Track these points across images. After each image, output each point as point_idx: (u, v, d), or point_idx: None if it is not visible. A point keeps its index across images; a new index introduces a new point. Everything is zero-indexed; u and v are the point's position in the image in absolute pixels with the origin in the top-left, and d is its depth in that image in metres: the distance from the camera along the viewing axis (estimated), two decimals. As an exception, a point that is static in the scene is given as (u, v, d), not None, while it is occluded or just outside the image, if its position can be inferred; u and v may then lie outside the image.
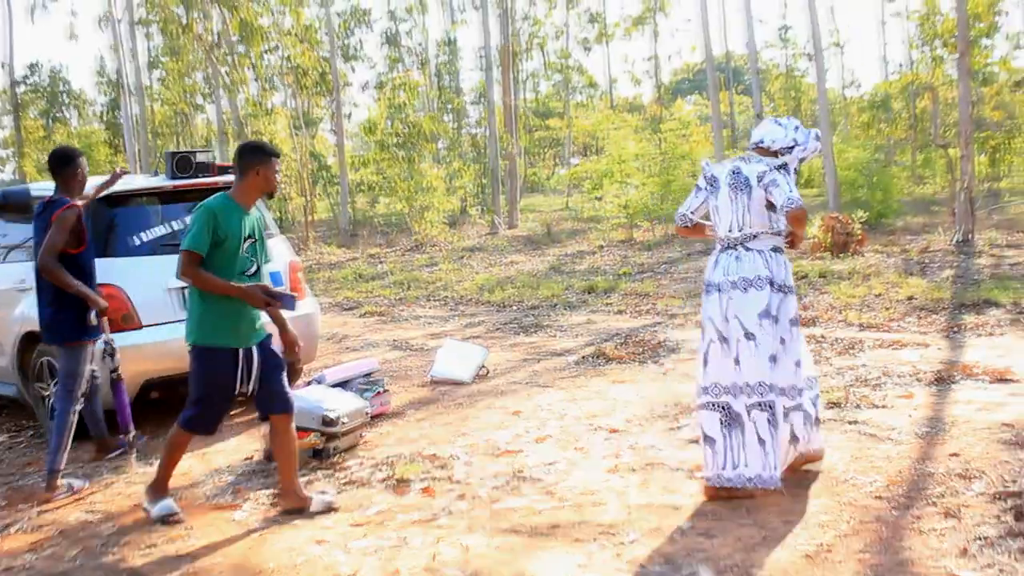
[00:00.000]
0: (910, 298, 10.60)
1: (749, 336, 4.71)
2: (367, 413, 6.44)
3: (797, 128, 5.03)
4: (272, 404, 5.03)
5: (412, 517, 4.88)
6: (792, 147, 4.97)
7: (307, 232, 26.42)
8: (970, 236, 15.79)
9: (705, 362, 4.88)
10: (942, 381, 6.91)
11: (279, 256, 7.54)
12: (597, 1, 49.62)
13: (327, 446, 5.97)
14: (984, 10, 20.29)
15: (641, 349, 8.91)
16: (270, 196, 5.12)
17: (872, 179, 21.85)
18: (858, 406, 6.37)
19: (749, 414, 4.70)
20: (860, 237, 16.79)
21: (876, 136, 33.07)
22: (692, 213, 5.18)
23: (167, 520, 5.01)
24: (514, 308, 12.60)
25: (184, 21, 24.86)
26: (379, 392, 7.12)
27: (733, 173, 4.89)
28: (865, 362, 7.75)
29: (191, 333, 4.91)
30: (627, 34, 46.48)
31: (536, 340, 10.05)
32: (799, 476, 5.04)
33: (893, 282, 11.80)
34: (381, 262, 20.57)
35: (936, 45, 21.19)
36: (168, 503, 5.11)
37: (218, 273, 4.78)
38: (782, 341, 4.78)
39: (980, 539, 4.04)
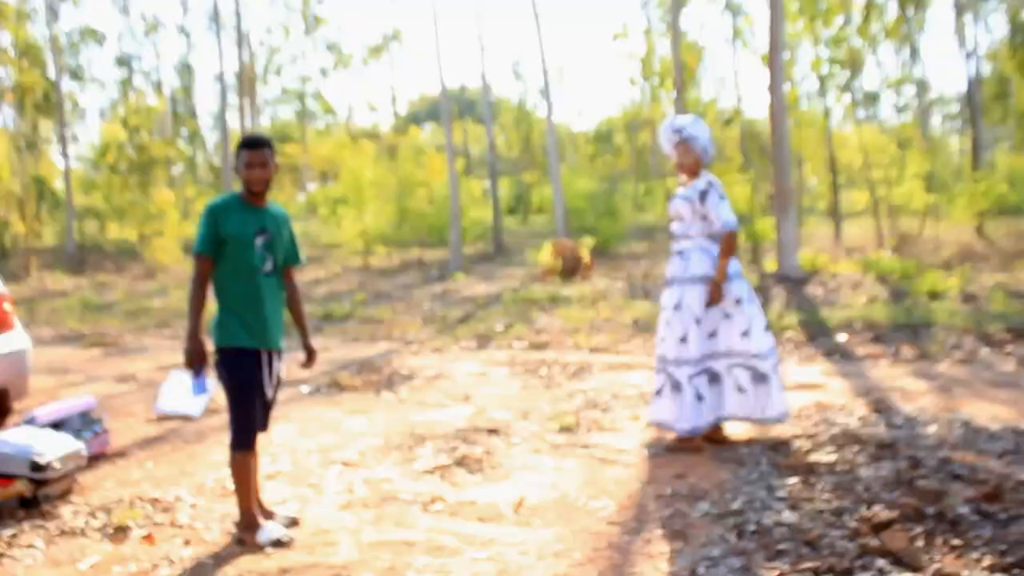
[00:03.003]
0: (635, 321, 11.01)
1: (727, 316, 5.96)
2: (83, 455, 5.98)
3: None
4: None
5: (130, 569, 4.50)
6: None
7: (29, 259, 24.76)
8: (690, 261, 16.64)
9: (711, 335, 5.95)
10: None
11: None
12: (336, 29, 49.29)
13: (36, 494, 5.50)
14: (692, 59, 21.73)
15: (376, 377, 8.80)
16: (252, 192, 4.79)
17: (599, 207, 22.79)
18: (589, 430, 6.51)
19: (730, 372, 5.97)
20: (589, 263, 17.42)
21: (602, 167, 34.56)
22: None
23: (280, 542, 4.62)
24: (247, 338, 12.15)
25: None
26: (98, 432, 6.66)
27: None
28: (595, 385, 7.97)
29: (214, 336, 4.69)
30: (365, 63, 46.50)
31: (269, 371, 9.71)
32: (531, 507, 5.07)
33: (619, 306, 12.25)
34: (110, 290, 19.51)
35: (655, 83, 22.40)
36: (271, 526, 4.71)
37: (234, 270, 4.66)
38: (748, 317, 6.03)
39: (707, 559, 4.14)
